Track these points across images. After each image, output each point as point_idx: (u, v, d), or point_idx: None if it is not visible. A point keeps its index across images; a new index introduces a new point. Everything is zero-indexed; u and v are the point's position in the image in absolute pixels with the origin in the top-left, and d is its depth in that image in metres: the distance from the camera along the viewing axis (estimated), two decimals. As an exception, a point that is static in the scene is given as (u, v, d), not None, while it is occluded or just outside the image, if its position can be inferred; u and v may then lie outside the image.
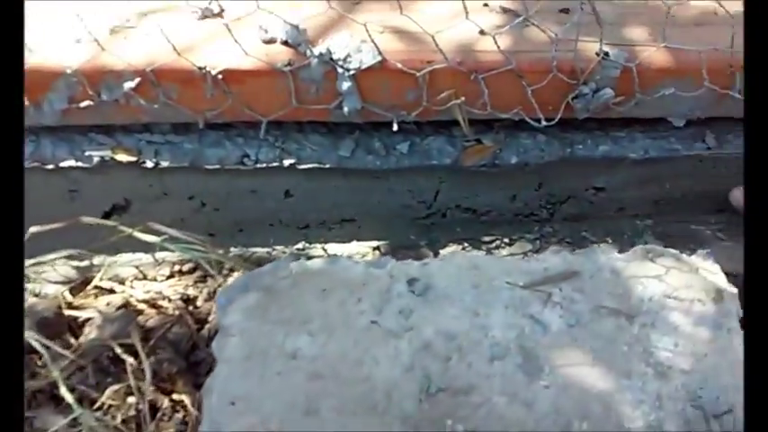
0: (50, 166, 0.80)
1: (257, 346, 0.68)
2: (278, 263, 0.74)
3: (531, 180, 0.90)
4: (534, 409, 0.66)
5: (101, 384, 0.74)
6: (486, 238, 0.95)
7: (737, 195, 0.90)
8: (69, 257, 0.86)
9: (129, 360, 0.73)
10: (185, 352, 0.80)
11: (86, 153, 0.80)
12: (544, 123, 0.81)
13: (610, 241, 0.94)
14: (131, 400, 0.74)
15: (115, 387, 0.73)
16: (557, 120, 0.81)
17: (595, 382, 0.67)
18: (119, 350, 0.74)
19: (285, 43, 0.75)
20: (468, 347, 0.69)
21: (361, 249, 0.92)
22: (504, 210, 0.93)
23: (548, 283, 0.74)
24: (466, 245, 0.94)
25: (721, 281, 0.76)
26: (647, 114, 0.86)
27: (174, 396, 0.77)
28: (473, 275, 0.75)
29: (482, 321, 0.71)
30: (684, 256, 0.78)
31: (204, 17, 0.78)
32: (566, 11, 0.84)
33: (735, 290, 0.76)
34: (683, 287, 0.74)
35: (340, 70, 0.75)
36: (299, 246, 0.90)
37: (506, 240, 0.94)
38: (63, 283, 0.86)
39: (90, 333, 0.77)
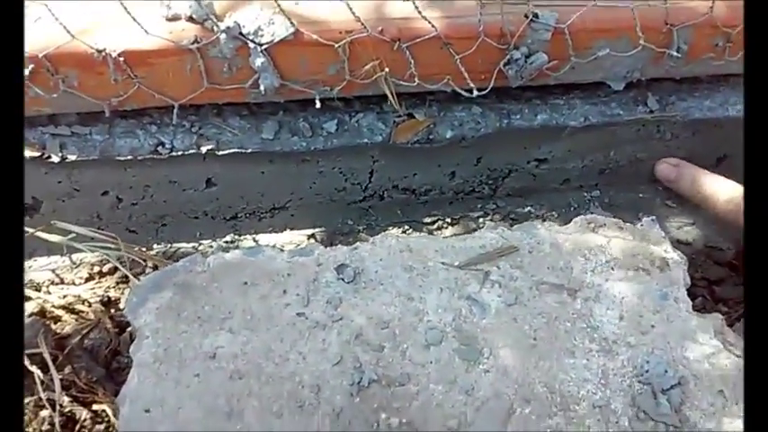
0: (-56, 167, 0.73)
1: (172, 347, 0.63)
2: (194, 257, 0.68)
3: (469, 155, 0.85)
4: (474, 396, 0.61)
5: (10, 399, 0.68)
6: (428, 219, 0.90)
7: (663, 169, 0.88)
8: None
9: (38, 372, 0.67)
10: (105, 358, 0.74)
11: (-17, 150, 0.73)
12: (476, 93, 0.77)
13: (556, 215, 0.90)
14: (44, 413, 0.68)
15: (25, 401, 0.67)
16: (489, 89, 0.76)
17: (538, 363, 0.63)
18: (27, 362, 0.68)
19: (191, 19, 0.70)
20: (402, 334, 0.65)
21: (296, 238, 0.86)
22: (444, 188, 0.89)
23: (485, 261, 0.70)
24: (407, 227, 0.89)
25: (667, 248, 0.72)
26: (585, 79, 0.82)
27: (95, 407, 0.71)
28: (406, 258, 0.70)
29: (416, 306, 0.67)
30: (628, 224, 0.74)
31: (102, -4, 0.72)
32: (493, -27, 0.79)
33: (681, 258, 0.72)
34: (626, 257, 0.71)
35: (252, 45, 0.69)
36: (228, 238, 0.85)
37: (448, 220, 0.90)
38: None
39: (-5, 345, 0.71)
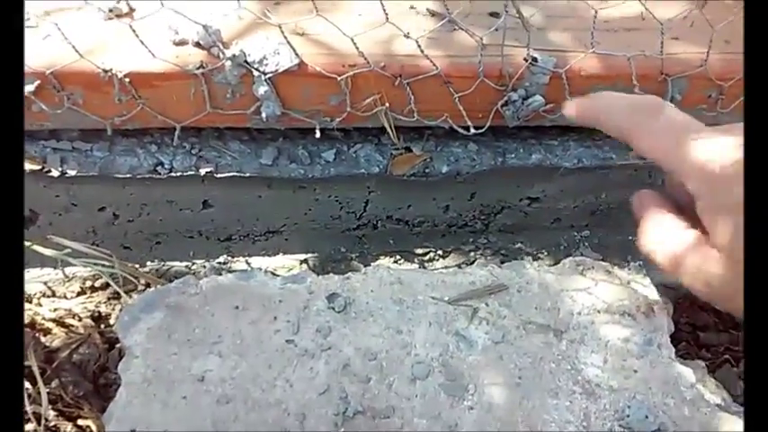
0: (-55, 176, 0.74)
1: (161, 368, 0.63)
2: (187, 278, 0.69)
3: (463, 190, 0.87)
4: (457, 432, 0.62)
5: (-5, 411, 0.68)
6: (420, 251, 0.91)
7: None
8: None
9: (25, 384, 0.68)
10: (92, 374, 0.75)
11: (-16, 161, 0.74)
12: (473, 131, 0.78)
13: (546, 253, 0.92)
14: (30, 427, 0.69)
15: (9, 414, 0.67)
16: (485, 127, 0.78)
17: (521, 402, 0.64)
18: (14, 374, 0.68)
19: (197, 45, 0.71)
20: (390, 367, 0.66)
21: (288, 263, 0.87)
22: (438, 221, 0.90)
23: (474, 297, 0.71)
24: (398, 257, 0.91)
25: (652, 294, 0.74)
26: (580, 122, 0.83)
27: (80, 422, 0.72)
28: (397, 290, 0.71)
29: (405, 339, 0.68)
30: (616, 268, 0.76)
31: (111, 17, 0.73)
32: (496, 14, 0.81)
33: (666, 303, 0.74)
34: (613, 301, 0.72)
35: (256, 73, 0.70)
36: (221, 259, 0.86)
37: (440, 252, 0.91)
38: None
39: (-17, 356, 0.71)
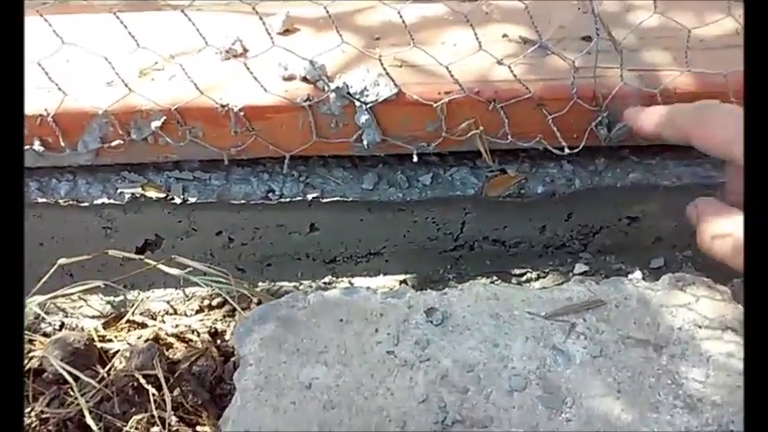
0: (85, 204, 0.83)
1: (273, 375, 0.68)
2: (295, 294, 0.74)
3: (560, 210, 0.88)
4: (555, 444, 0.63)
5: (126, 414, 0.75)
6: (516, 271, 0.93)
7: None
8: (104, 293, 0.89)
9: (152, 391, 0.75)
10: (210, 385, 0.81)
11: (119, 191, 0.83)
12: (567, 151, 0.80)
13: (647, 273, 0.91)
14: (155, 429, 0.75)
15: (138, 417, 0.74)
16: (580, 147, 0.79)
17: (620, 416, 0.64)
18: (143, 381, 0.75)
19: (304, 79, 0.77)
20: (487, 379, 0.68)
21: (389, 283, 0.91)
22: (534, 241, 0.92)
23: (571, 312, 0.72)
24: (495, 278, 0.93)
25: (759, 310, 0.72)
26: (678, 141, 0.83)
27: (198, 428, 0.78)
28: (493, 305, 0.73)
29: (502, 352, 0.69)
30: (718, 284, 0.75)
31: (228, 58, 0.81)
32: (588, 38, 0.83)
33: (775, 320, 0.71)
34: (715, 316, 0.71)
35: (357, 104, 0.76)
36: (326, 280, 0.91)
37: (537, 273, 0.93)
38: (97, 317, 0.88)
39: (117, 364, 0.79)
